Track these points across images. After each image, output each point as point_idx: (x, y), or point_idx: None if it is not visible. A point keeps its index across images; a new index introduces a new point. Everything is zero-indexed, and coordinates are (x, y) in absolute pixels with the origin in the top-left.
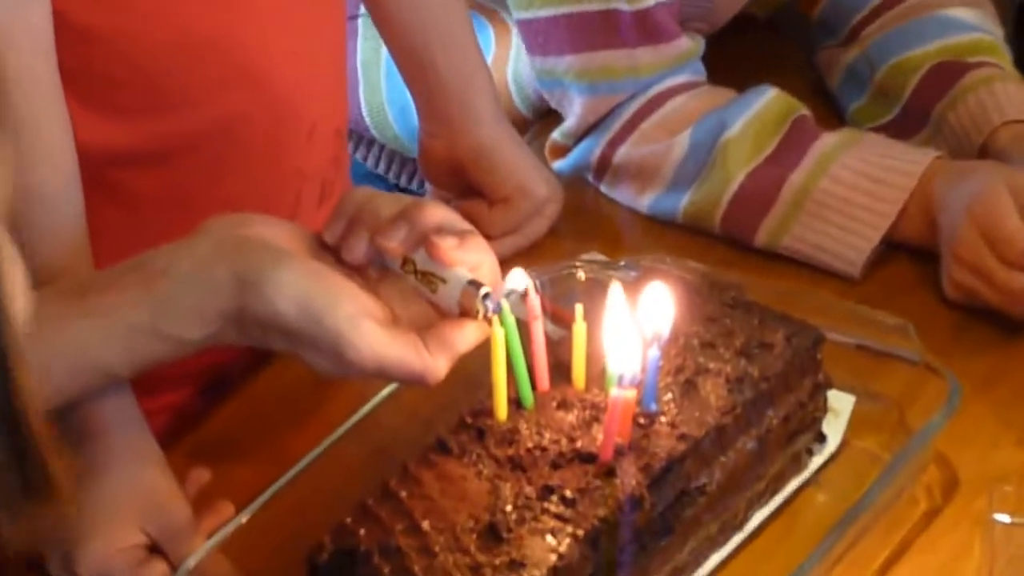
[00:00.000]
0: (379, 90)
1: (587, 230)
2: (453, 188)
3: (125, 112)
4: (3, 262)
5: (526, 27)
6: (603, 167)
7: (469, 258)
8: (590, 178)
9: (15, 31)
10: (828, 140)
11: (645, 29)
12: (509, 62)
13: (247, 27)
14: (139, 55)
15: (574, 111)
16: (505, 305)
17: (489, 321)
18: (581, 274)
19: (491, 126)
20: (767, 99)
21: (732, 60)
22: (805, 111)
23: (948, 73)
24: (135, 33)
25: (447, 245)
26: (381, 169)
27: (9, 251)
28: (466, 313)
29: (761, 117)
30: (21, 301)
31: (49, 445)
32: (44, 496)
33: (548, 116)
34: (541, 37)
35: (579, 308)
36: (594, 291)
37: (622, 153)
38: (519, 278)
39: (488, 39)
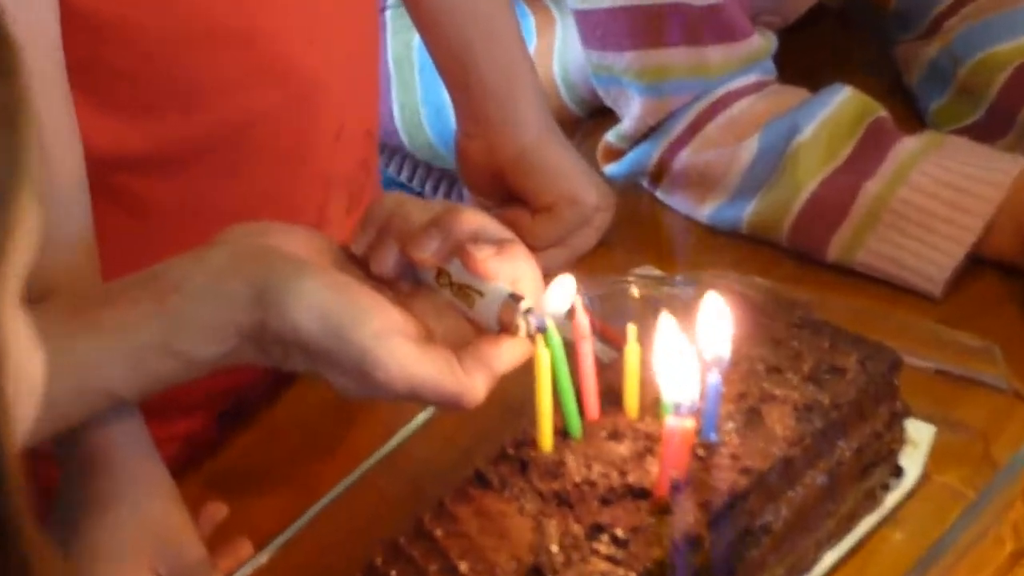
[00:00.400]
0: (413, 89)
1: (641, 241)
2: (493, 195)
3: (135, 110)
4: (8, 359)
5: (583, 18)
6: (661, 173)
7: (509, 269)
8: (645, 184)
9: (18, 23)
10: (907, 145)
11: (715, 26)
12: (555, 54)
13: (270, 16)
14: (150, 46)
15: (632, 112)
16: (550, 322)
17: (532, 339)
18: (634, 290)
19: (535, 127)
20: (841, 99)
21: (801, 54)
22: (883, 112)
23: None
24: (145, 21)
25: (484, 255)
26: (405, 176)
27: (19, 343)
28: (506, 330)
29: (835, 119)
30: (24, 404)
31: (38, 550)
32: None
33: (600, 114)
34: (600, 30)
35: (632, 328)
36: (648, 309)
37: (683, 158)
38: (565, 292)
39: (530, 28)
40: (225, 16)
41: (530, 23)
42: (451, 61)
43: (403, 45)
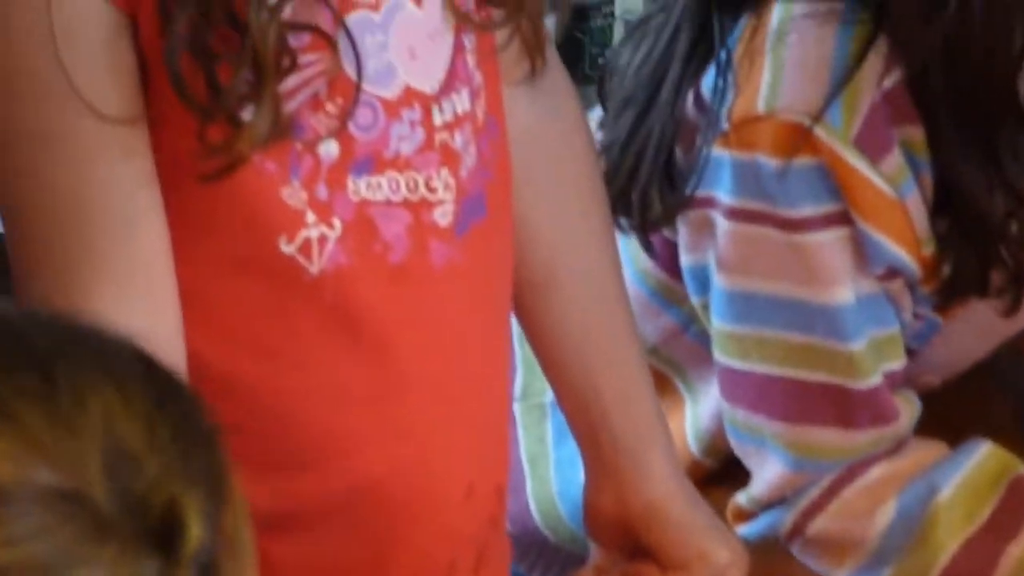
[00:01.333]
0: (548, 483)
1: None
2: (622, 549)
3: (257, 466)
4: None
5: (732, 376)
6: (795, 536)
7: None
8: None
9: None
10: None
11: (871, 410)
12: (686, 432)
13: (399, 380)
14: (279, 405)
15: (766, 478)
16: None
17: None
18: None
19: (666, 480)
20: (980, 457)
21: (940, 404)
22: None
23: None
24: (268, 378)
25: None
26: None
27: None
28: None
29: (974, 478)
30: None
31: None
32: None
33: (728, 464)
34: (752, 392)
35: None
36: None
37: (819, 524)
38: None
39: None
40: (357, 381)
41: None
42: (580, 417)
43: (536, 442)
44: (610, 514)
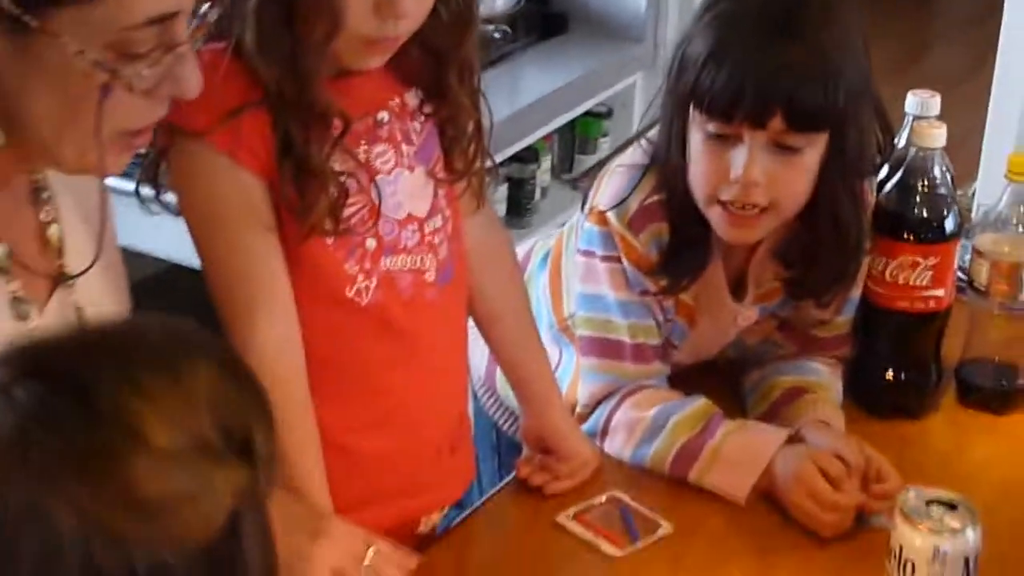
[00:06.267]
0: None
1: None
2: (539, 448)
3: (345, 405)
4: None
5: (580, 340)
6: (605, 429)
7: None
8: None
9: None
10: (720, 427)
11: (635, 356)
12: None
13: (413, 353)
14: (355, 375)
15: (589, 391)
16: None
17: None
18: None
19: (559, 413)
20: (699, 401)
21: (696, 372)
22: (717, 411)
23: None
24: (351, 363)
25: None
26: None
27: None
28: None
29: (696, 409)
30: None
31: None
32: None
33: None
34: (584, 345)
35: None
36: None
37: (616, 418)
38: None
39: (572, 356)
40: (388, 354)
41: (572, 352)
42: (516, 381)
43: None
44: (533, 429)
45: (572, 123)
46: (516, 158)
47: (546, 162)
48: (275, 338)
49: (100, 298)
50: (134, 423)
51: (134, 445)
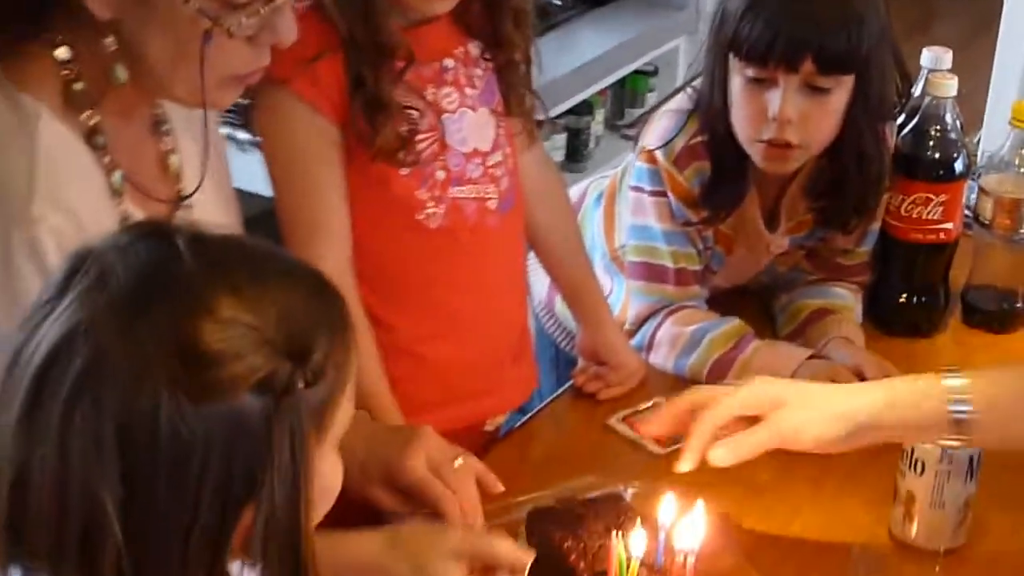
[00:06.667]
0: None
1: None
2: (593, 359)
3: (419, 319)
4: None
5: (629, 265)
6: (651, 342)
7: None
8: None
9: None
10: (750, 344)
11: (677, 279)
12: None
13: (477, 273)
14: (423, 291)
15: (636, 311)
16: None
17: None
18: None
19: (611, 328)
20: (731, 323)
21: (732, 295)
22: (749, 330)
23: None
24: (422, 283)
25: None
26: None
27: (331, 472)
28: None
29: (730, 327)
30: (325, 503)
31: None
32: None
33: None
34: (632, 269)
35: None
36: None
37: (660, 333)
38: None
39: (622, 284)
40: (455, 274)
41: (622, 281)
42: (572, 300)
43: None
44: (588, 343)
45: (622, 80)
46: (573, 111)
47: (600, 114)
48: (336, 263)
49: (215, 218)
50: (211, 301)
51: (204, 313)
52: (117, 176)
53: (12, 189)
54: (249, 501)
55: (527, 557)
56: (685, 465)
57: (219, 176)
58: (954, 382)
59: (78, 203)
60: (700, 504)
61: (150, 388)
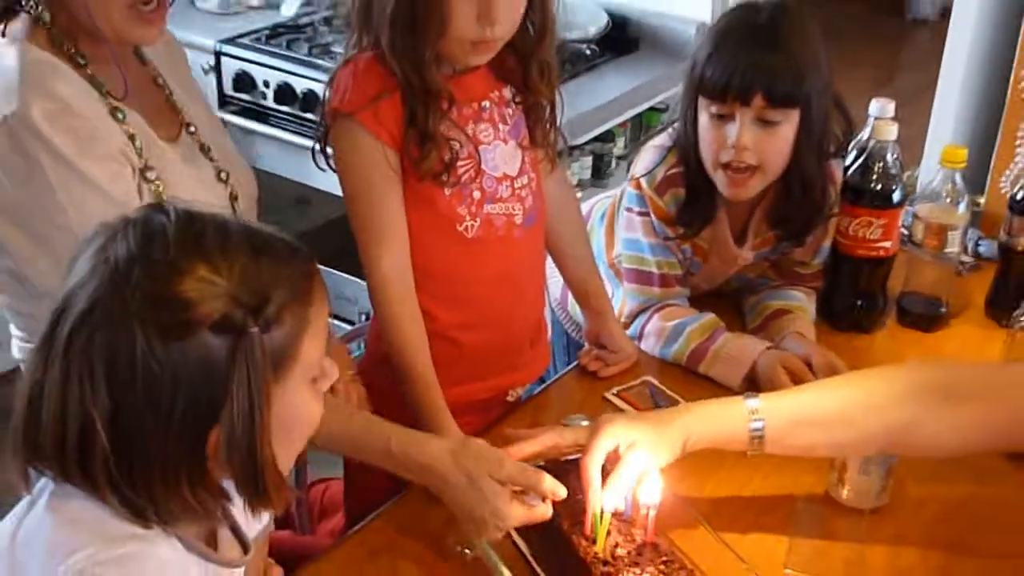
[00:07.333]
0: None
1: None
2: (596, 343)
3: (457, 310)
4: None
5: (624, 271)
6: (642, 333)
7: None
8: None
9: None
10: (721, 338)
11: (661, 282)
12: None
13: (507, 275)
14: (460, 289)
15: (629, 308)
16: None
17: None
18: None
19: (613, 319)
20: (708, 315)
21: (710, 295)
22: (721, 325)
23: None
24: (460, 281)
25: None
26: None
27: (303, 401)
28: None
29: (705, 321)
30: (302, 432)
31: (274, 478)
32: (264, 504)
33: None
34: (626, 274)
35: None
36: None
37: (649, 326)
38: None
39: (619, 289)
40: (488, 275)
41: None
42: (580, 296)
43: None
44: (592, 330)
45: (639, 115)
46: (598, 139)
47: (620, 142)
48: (394, 263)
49: (212, 137)
50: (184, 264)
51: (177, 274)
52: (109, 100)
53: (6, 87)
54: (214, 423)
55: (562, 492)
56: (608, 507)
57: (205, 107)
58: (752, 403)
59: (66, 94)
60: (656, 467)
61: (129, 329)
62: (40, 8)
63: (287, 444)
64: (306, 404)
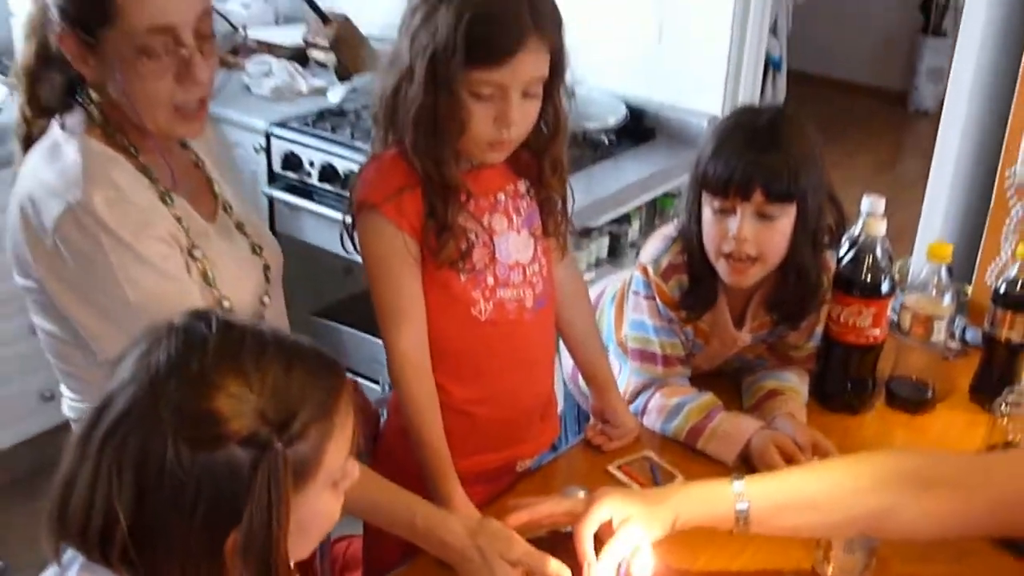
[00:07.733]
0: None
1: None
2: (600, 418)
3: (470, 388)
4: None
5: (630, 351)
6: (644, 409)
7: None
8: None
9: None
10: (718, 415)
11: (665, 362)
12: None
13: (519, 357)
14: (474, 369)
15: (632, 386)
16: None
17: None
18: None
19: (617, 397)
20: (707, 395)
21: (710, 374)
22: (718, 404)
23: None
24: (472, 362)
25: None
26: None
27: (324, 503)
28: None
29: (703, 400)
30: (321, 527)
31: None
32: None
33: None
34: (631, 354)
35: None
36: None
37: (652, 403)
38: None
39: (627, 366)
40: (502, 356)
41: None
42: (588, 376)
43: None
44: (597, 406)
45: (654, 200)
46: (616, 221)
47: (636, 224)
48: (412, 342)
49: (243, 215)
50: (220, 379)
51: (213, 387)
52: (159, 187)
53: (71, 178)
54: (234, 526)
55: (566, 574)
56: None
57: (234, 182)
58: (738, 486)
59: (122, 183)
60: (648, 542)
61: (161, 437)
62: (91, 104)
63: (304, 541)
64: (326, 506)
